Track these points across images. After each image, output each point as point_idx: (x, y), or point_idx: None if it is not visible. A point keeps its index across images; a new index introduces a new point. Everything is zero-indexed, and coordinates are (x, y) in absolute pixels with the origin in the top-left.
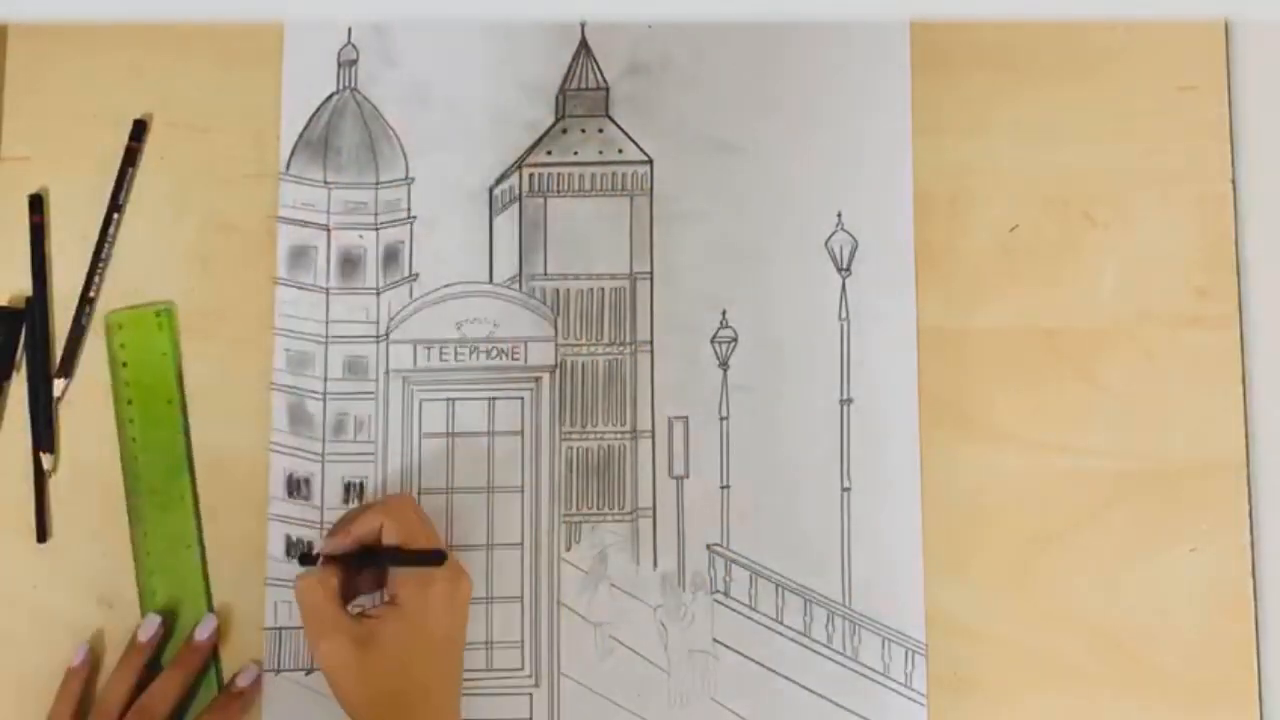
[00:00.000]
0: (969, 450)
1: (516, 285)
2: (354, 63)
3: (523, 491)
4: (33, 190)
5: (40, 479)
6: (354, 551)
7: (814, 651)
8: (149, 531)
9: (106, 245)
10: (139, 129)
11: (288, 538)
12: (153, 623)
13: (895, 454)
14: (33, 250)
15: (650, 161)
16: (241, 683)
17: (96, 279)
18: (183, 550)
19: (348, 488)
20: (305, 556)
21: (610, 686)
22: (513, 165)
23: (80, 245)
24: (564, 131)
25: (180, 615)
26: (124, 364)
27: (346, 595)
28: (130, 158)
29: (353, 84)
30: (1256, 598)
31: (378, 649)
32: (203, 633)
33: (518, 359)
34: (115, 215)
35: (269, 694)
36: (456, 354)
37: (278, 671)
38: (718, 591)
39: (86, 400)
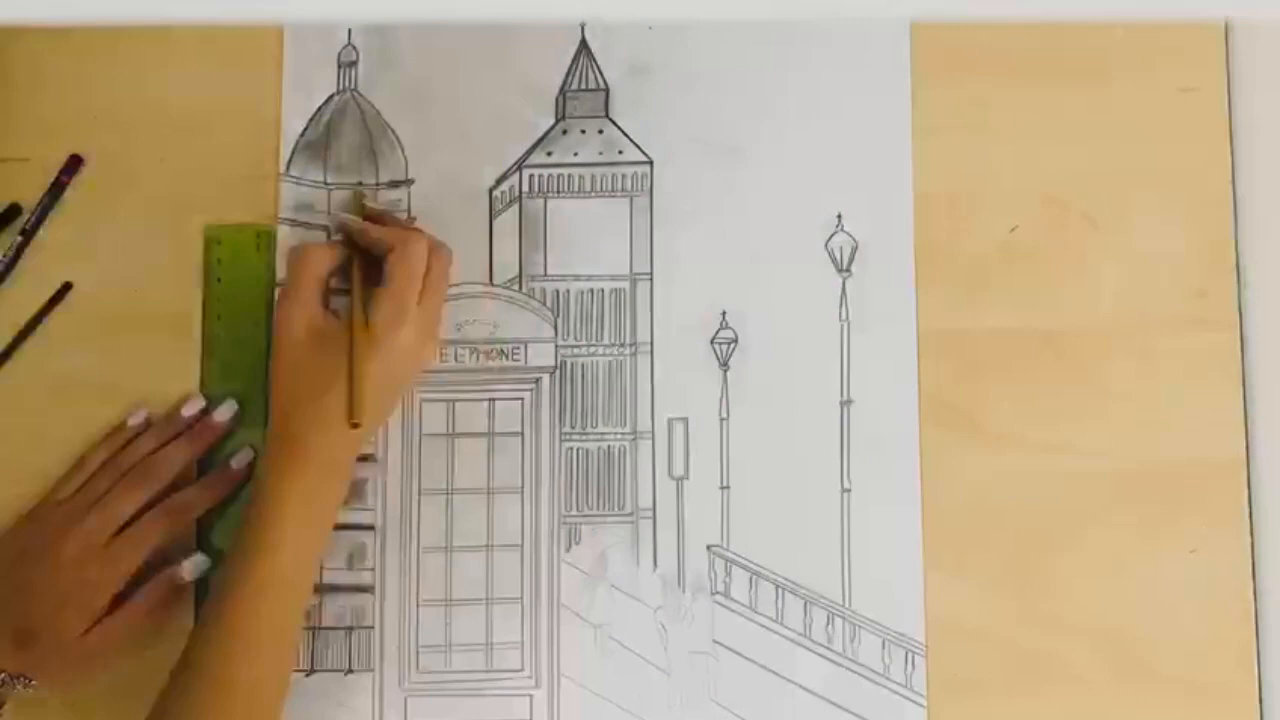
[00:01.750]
0: (969, 451)
1: (516, 286)
2: (354, 64)
3: (522, 492)
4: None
5: None
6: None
7: (814, 652)
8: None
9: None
10: (73, 164)
11: None
12: (197, 401)
13: (895, 455)
14: None
15: (650, 162)
16: (235, 464)
17: None
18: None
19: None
20: (357, 204)
21: (610, 688)
22: (513, 166)
23: (79, 249)
24: (564, 132)
25: None
26: (218, 279)
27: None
28: (56, 190)
29: (353, 85)
30: (1256, 598)
31: (325, 349)
32: (221, 414)
33: (518, 360)
34: (22, 247)
35: None
36: (456, 355)
37: None
38: (718, 593)
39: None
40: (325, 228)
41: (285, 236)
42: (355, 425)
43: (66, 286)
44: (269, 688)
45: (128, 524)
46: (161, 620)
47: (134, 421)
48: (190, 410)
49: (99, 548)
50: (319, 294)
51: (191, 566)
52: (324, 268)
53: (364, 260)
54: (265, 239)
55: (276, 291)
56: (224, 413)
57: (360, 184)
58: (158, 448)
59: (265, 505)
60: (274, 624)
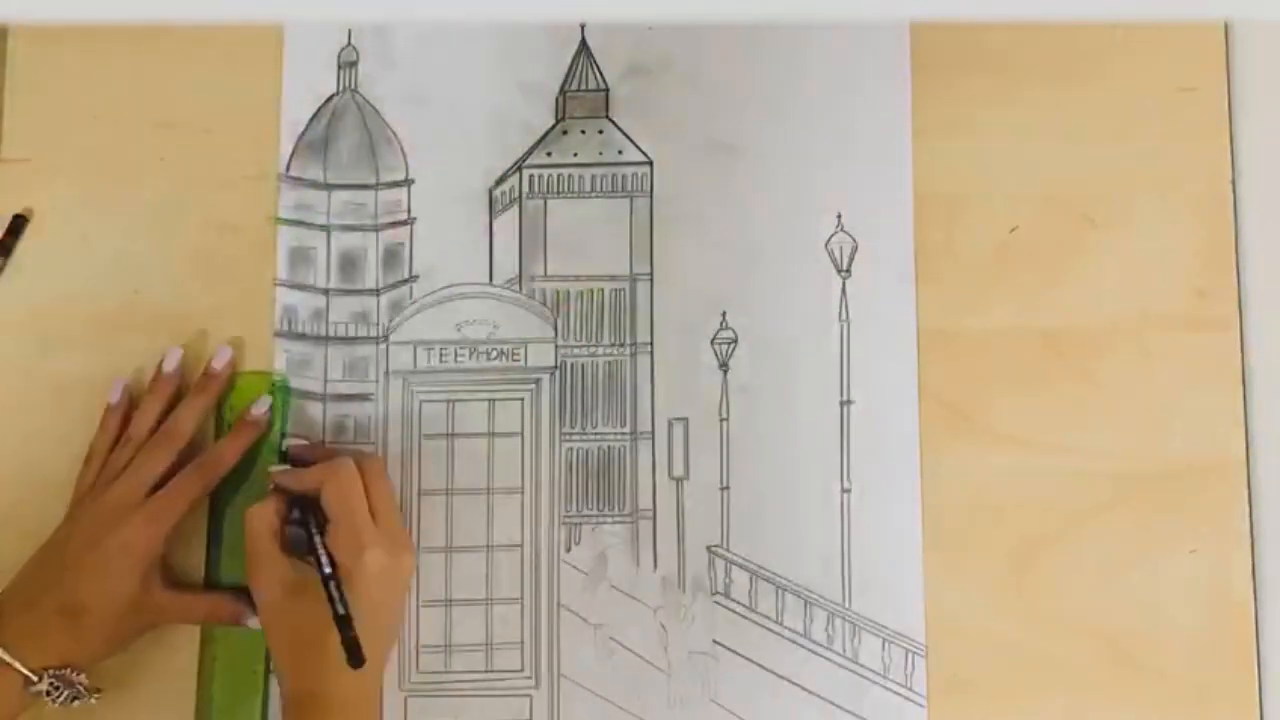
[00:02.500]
0: (969, 451)
1: (516, 286)
2: (354, 64)
3: (522, 493)
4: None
5: None
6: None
7: (814, 653)
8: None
9: None
10: (18, 224)
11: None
12: (175, 354)
13: (895, 455)
14: None
15: (650, 163)
16: (256, 410)
17: None
18: None
19: None
20: (283, 455)
21: (610, 688)
22: (513, 166)
23: (79, 250)
24: (564, 133)
25: None
26: (227, 425)
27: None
28: (3, 249)
29: (353, 85)
30: (1256, 599)
31: (307, 598)
32: (218, 362)
33: (517, 360)
34: None
35: (268, 694)
36: (456, 355)
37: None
38: (718, 593)
39: None
40: (325, 228)
41: (286, 236)
42: (358, 664)
43: (19, 219)
44: None
45: (157, 488)
46: (211, 620)
47: (115, 398)
48: (171, 365)
49: (137, 502)
50: (277, 550)
51: (258, 621)
52: (271, 523)
53: (307, 501)
54: (281, 390)
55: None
56: (221, 359)
57: (284, 438)
58: (164, 412)
59: None
60: None
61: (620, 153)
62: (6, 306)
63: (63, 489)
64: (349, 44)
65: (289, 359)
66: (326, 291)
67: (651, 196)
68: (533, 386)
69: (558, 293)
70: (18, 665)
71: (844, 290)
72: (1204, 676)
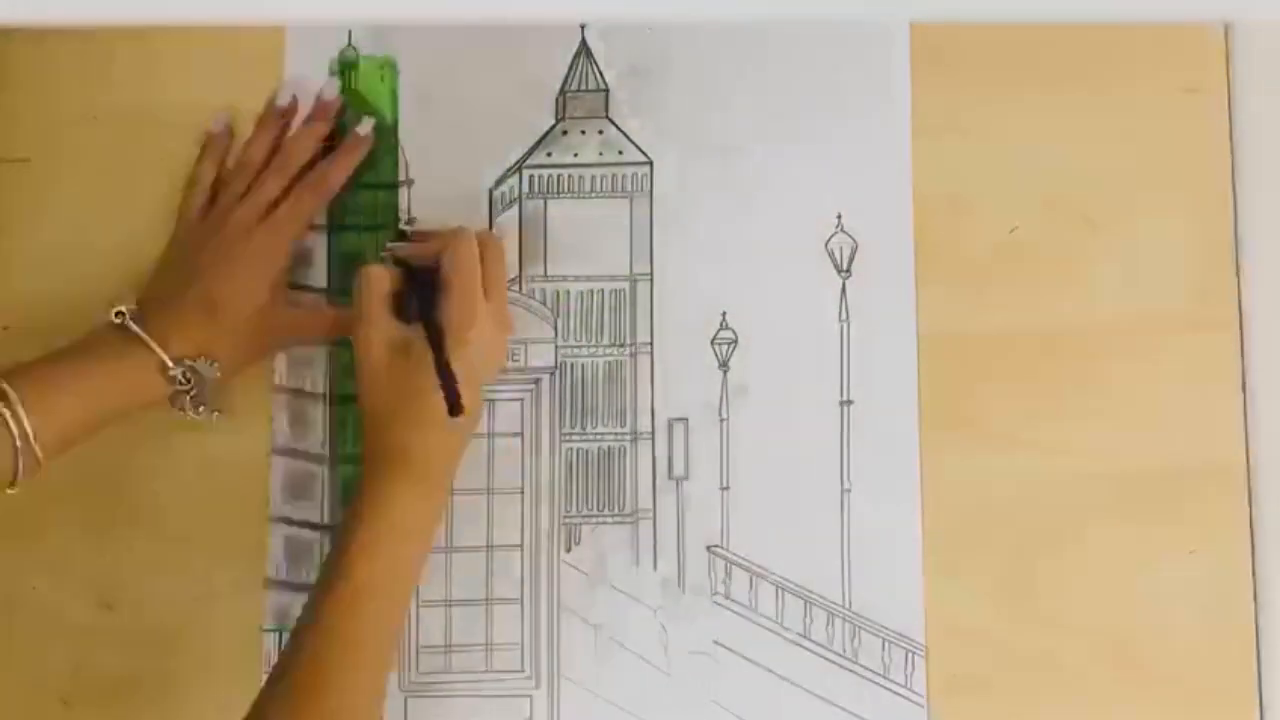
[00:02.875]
0: (969, 452)
1: (516, 287)
2: (354, 64)
3: (522, 493)
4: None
5: None
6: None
7: (814, 653)
8: None
9: None
10: None
11: (287, 540)
12: (289, 86)
13: (895, 456)
14: None
15: (650, 163)
16: (361, 131)
17: None
18: None
19: (348, 489)
20: (400, 234)
21: (610, 689)
22: (512, 167)
23: (79, 250)
24: (564, 133)
25: None
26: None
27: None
28: None
29: (353, 85)
30: (1256, 599)
31: (409, 359)
32: (329, 91)
33: (517, 360)
34: None
35: None
36: None
37: None
38: (718, 593)
39: None
40: (325, 229)
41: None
42: (457, 413)
43: None
44: (365, 691)
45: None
46: (340, 332)
47: (218, 127)
48: (284, 100)
49: (258, 219)
50: (388, 311)
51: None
52: (388, 286)
53: (419, 278)
54: (389, 70)
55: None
56: (330, 90)
57: (405, 220)
58: (274, 142)
59: (365, 509)
60: (371, 628)
61: (620, 153)
62: (7, 306)
63: (64, 489)
64: (349, 45)
65: (289, 359)
66: (326, 292)
67: (651, 196)
68: (532, 387)
69: (558, 293)
70: (157, 349)
71: (844, 290)
72: (1204, 677)
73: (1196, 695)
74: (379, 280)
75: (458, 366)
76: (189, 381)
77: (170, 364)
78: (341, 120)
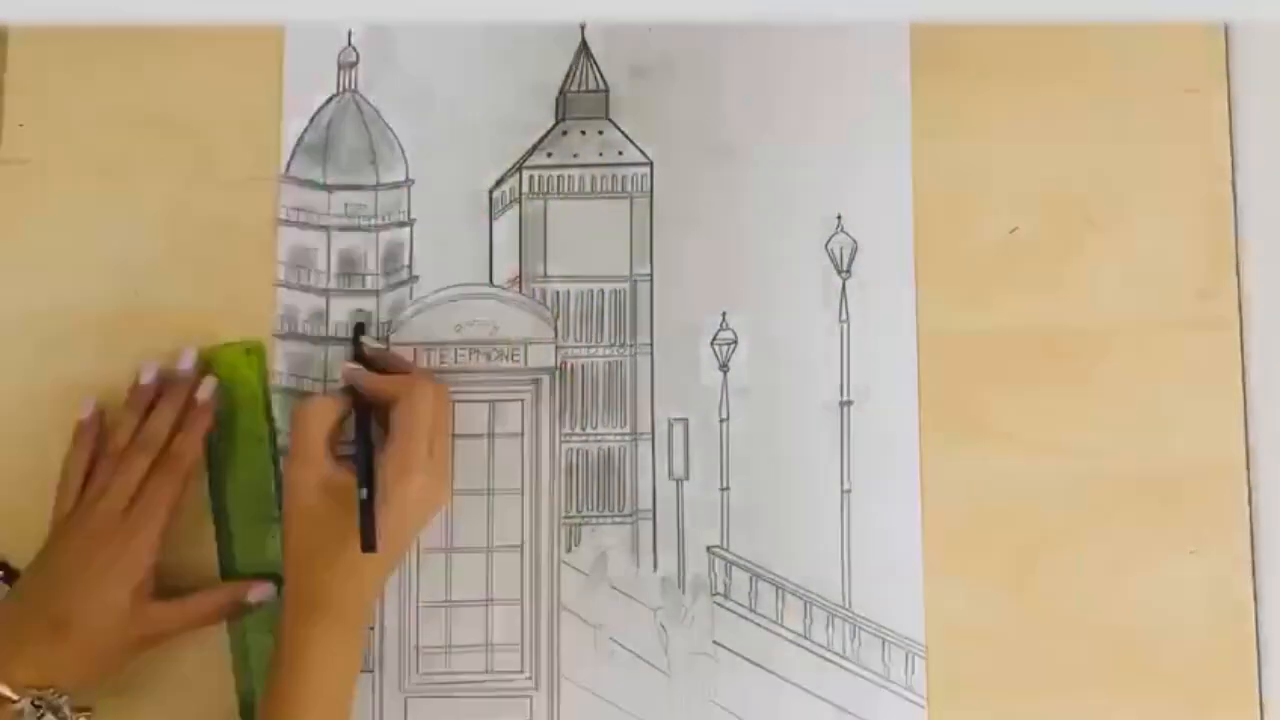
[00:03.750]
0: (969, 452)
1: (516, 287)
2: (354, 65)
3: (522, 493)
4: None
5: None
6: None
7: (814, 654)
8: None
9: None
10: (359, 330)
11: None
12: (151, 367)
13: (895, 456)
14: None
15: (650, 164)
16: (201, 394)
17: None
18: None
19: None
20: (358, 328)
21: (610, 689)
22: (513, 167)
23: (79, 250)
24: (564, 134)
25: None
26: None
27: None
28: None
29: (353, 86)
30: (1257, 599)
31: (335, 502)
32: (185, 361)
33: (518, 361)
34: None
35: None
36: (457, 356)
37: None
38: (718, 594)
39: None
40: (325, 229)
41: (286, 237)
42: (369, 549)
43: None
44: None
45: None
46: (211, 622)
47: (86, 414)
48: (148, 377)
49: (118, 517)
50: (326, 449)
51: (260, 592)
52: (329, 422)
53: (365, 406)
54: (255, 355)
55: (284, 453)
56: (187, 360)
57: (359, 319)
58: (140, 424)
59: (285, 653)
60: None
61: (620, 153)
62: (6, 307)
63: None
64: (349, 45)
65: (289, 359)
66: (326, 292)
67: (651, 197)
68: (533, 387)
69: (558, 293)
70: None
71: (844, 290)
72: (1204, 676)
73: (1196, 695)
74: (323, 414)
75: (385, 511)
76: (40, 709)
77: (12, 697)
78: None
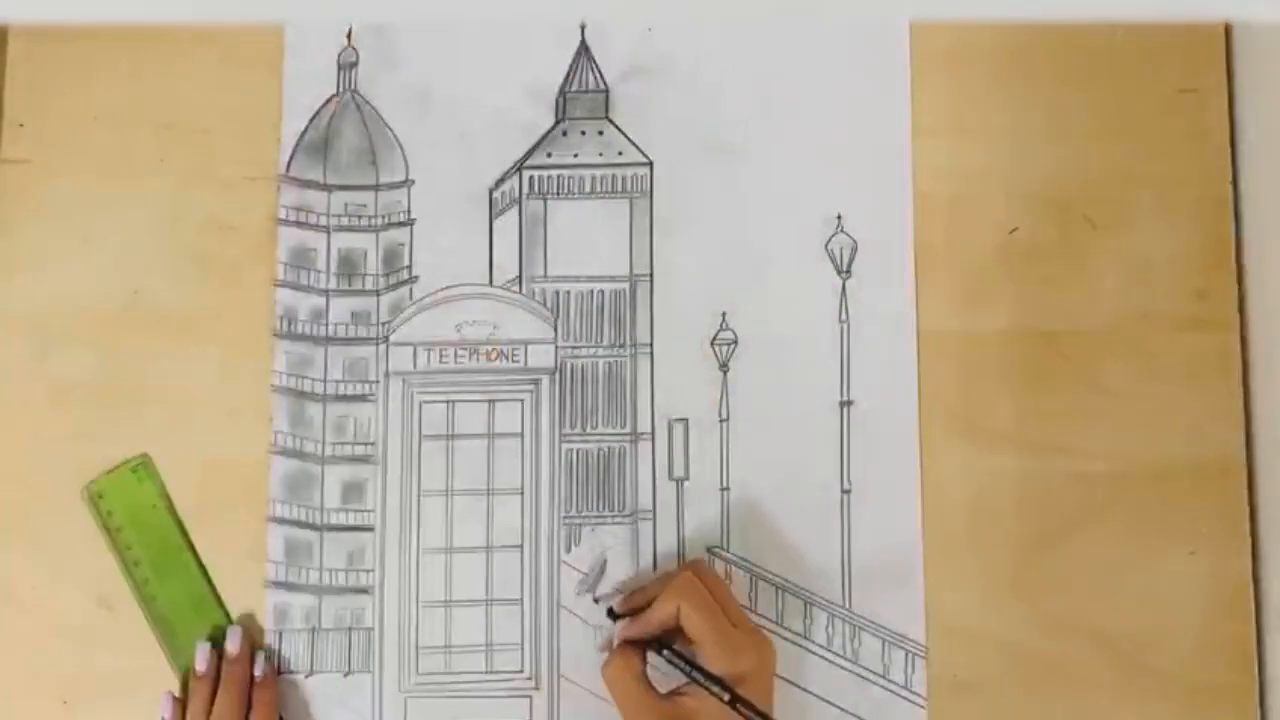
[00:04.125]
0: (969, 452)
1: (516, 287)
2: (354, 65)
3: (522, 494)
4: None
5: None
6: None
7: (814, 654)
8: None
9: None
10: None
11: (286, 540)
12: (204, 650)
13: (895, 456)
14: None
15: (650, 163)
16: (259, 673)
17: None
18: None
19: (347, 489)
20: (611, 613)
21: None
22: (513, 167)
23: (79, 249)
24: (564, 134)
25: None
26: (118, 529)
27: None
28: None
29: (353, 86)
30: (1257, 600)
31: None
32: (233, 645)
33: (517, 361)
34: None
35: None
36: (456, 356)
37: (279, 674)
38: None
39: None
40: (325, 229)
41: (286, 236)
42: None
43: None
44: None
45: None
46: None
47: (166, 712)
48: (202, 665)
49: None
50: (651, 694)
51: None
52: (636, 670)
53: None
54: (143, 470)
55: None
56: (233, 643)
57: (596, 597)
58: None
59: None
60: None
61: (620, 153)
62: (6, 306)
63: (63, 489)
64: (349, 45)
65: (289, 359)
66: (326, 292)
67: (651, 197)
68: (533, 387)
69: (558, 293)
70: None
71: (844, 291)
72: (1204, 676)
73: (1197, 696)
74: (623, 670)
75: (751, 692)
76: None
77: None
78: None
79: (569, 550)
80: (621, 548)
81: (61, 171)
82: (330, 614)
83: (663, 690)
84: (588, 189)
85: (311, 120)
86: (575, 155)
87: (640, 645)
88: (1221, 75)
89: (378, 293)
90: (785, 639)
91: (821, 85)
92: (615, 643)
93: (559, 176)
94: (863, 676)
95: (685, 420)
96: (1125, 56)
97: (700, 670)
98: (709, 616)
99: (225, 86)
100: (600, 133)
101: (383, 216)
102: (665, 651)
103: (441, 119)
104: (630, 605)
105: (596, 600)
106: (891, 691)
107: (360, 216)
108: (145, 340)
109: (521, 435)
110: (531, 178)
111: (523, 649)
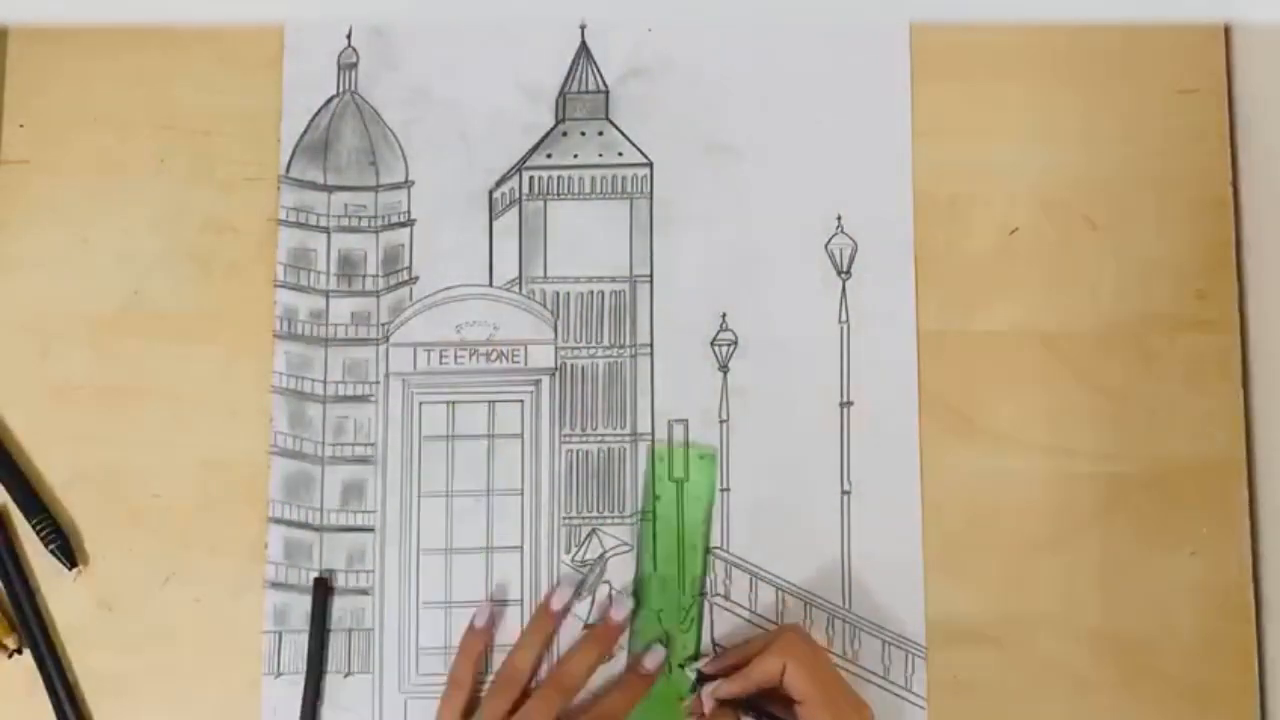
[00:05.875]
0: (969, 453)
1: (516, 288)
2: (354, 65)
3: (522, 494)
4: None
5: None
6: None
7: None
8: None
9: None
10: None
11: (285, 540)
12: (565, 593)
13: (895, 457)
14: None
15: (650, 164)
16: (649, 665)
17: None
18: None
19: (347, 490)
20: (701, 676)
21: None
22: (513, 168)
23: (79, 250)
24: (564, 134)
25: None
26: (657, 496)
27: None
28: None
29: (353, 87)
30: (1257, 600)
31: None
32: (650, 661)
33: (517, 362)
34: None
35: (266, 696)
36: (456, 357)
37: (277, 675)
38: (718, 594)
39: None
40: (325, 230)
41: (286, 237)
42: None
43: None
44: None
45: None
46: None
47: (481, 622)
48: (560, 603)
49: None
50: None
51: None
52: None
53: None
54: (708, 460)
55: None
56: (619, 610)
57: (691, 670)
58: (541, 652)
59: None
60: None
61: (620, 154)
62: (6, 306)
63: (62, 489)
64: (349, 46)
65: (289, 360)
66: (326, 293)
67: (651, 197)
68: (533, 388)
69: (558, 294)
70: None
71: (844, 291)
72: (1204, 676)
73: (1197, 696)
74: None
75: None
76: None
77: None
78: None
79: (569, 551)
80: (622, 548)
81: (62, 171)
82: (330, 614)
83: None
84: (588, 190)
85: (311, 121)
86: (575, 156)
87: (734, 708)
88: (1221, 75)
89: (378, 293)
90: None
91: (821, 85)
92: (707, 705)
93: (559, 177)
94: (863, 677)
95: (685, 421)
96: (1125, 58)
97: None
98: (817, 675)
99: (225, 87)
100: (600, 133)
101: (382, 217)
102: (757, 712)
103: (441, 119)
104: (722, 666)
105: (700, 679)
106: (891, 692)
107: (360, 217)
108: (145, 340)
109: (521, 436)
110: (531, 178)
111: None
